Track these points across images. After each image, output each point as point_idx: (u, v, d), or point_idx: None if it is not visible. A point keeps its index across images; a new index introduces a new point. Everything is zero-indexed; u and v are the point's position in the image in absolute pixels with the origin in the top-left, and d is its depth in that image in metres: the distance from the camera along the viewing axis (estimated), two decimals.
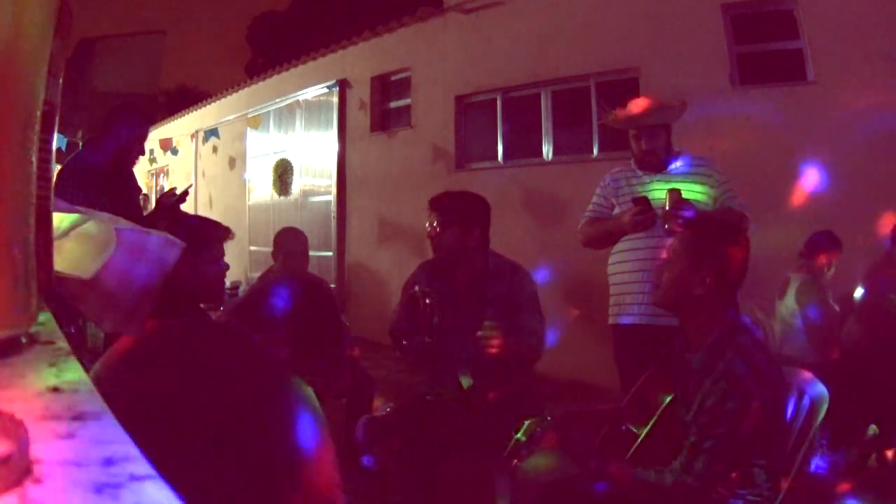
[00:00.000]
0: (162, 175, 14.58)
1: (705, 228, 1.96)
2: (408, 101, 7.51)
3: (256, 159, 10.18)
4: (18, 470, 0.32)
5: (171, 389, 0.99)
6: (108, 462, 0.35)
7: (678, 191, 2.78)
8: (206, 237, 2.08)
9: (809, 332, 3.75)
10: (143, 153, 3.43)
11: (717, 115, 4.75)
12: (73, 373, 0.49)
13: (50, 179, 0.58)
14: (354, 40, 8.18)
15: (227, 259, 2.18)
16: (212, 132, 10.34)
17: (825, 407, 1.88)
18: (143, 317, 0.82)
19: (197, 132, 12.09)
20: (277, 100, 9.53)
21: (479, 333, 2.35)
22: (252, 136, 10.22)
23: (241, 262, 9.44)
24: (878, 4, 4.40)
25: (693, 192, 2.86)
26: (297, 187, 9.15)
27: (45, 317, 0.59)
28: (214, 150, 11.46)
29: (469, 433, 2.44)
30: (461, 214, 2.59)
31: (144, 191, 10.12)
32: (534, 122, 6.35)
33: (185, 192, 3.39)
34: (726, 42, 5.02)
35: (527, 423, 1.99)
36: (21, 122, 0.48)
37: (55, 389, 0.45)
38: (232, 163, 11.01)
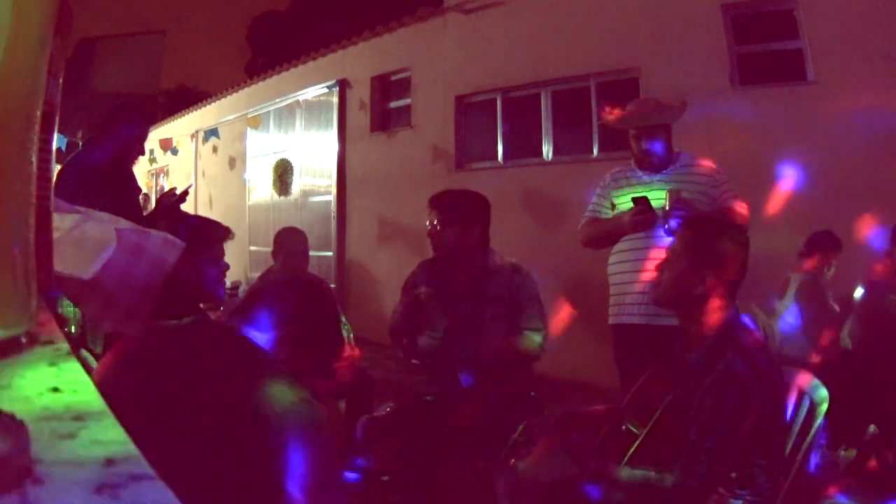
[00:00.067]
0: (162, 175, 14.58)
1: (705, 228, 1.96)
2: (408, 101, 7.51)
3: (256, 159, 10.18)
4: (18, 470, 0.32)
5: (171, 389, 0.99)
6: (108, 462, 0.35)
7: (678, 191, 2.79)
8: (206, 237, 2.08)
9: (809, 332, 3.75)
10: (143, 153, 3.43)
11: (717, 115, 4.75)
12: (73, 373, 0.49)
13: (50, 179, 0.58)
14: (354, 40, 8.18)
15: (227, 259, 2.18)
16: (212, 132, 10.34)
17: (825, 407, 1.88)
18: (143, 317, 0.82)
19: (197, 132, 12.09)
20: (277, 100, 9.53)
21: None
22: (252, 136, 10.22)
23: (241, 262, 9.44)
24: (878, 4, 4.40)
25: (693, 192, 2.86)
26: (297, 187, 9.15)
27: (45, 317, 0.59)
28: (214, 150, 11.46)
29: (469, 433, 2.43)
30: (462, 213, 2.59)
31: (144, 191, 10.13)
32: (534, 122, 6.35)
33: (185, 192, 3.39)
34: (726, 42, 5.02)
35: (524, 424, 1.99)
36: (21, 122, 0.48)
37: (55, 389, 0.45)
38: (232, 163, 11.01)
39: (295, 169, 9.18)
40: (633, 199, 2.85)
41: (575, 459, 1.92)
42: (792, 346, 3.79)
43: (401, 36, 7.53)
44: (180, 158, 12.59)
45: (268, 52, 20.49)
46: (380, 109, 7.95)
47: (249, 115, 10.05)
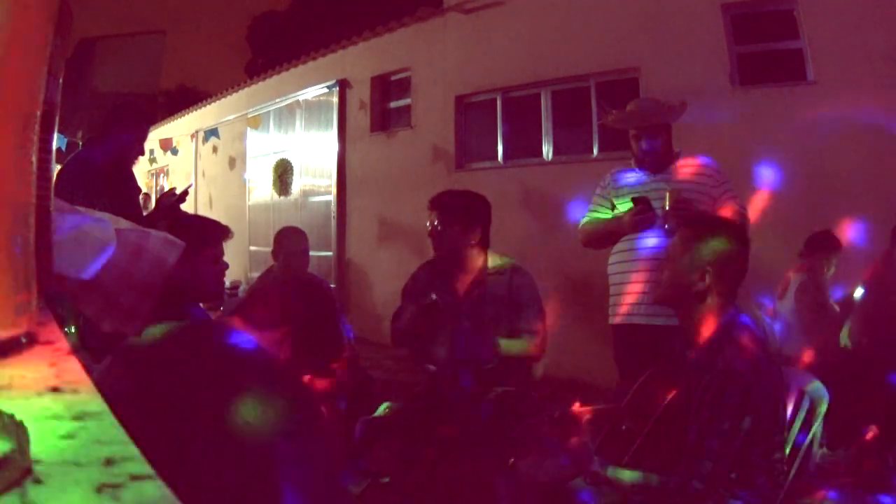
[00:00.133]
0: (162, 175, 14.58)
1: (705, 227, 1.96)
2: (408, 101, 7.51)
3: (256, 159, 10.18)
4: (18, 470, 0.32)
5: (171, 389, 0.99)
6: (108, 462, 0.35)
7: (678, 191, 2.78)
8: (206, 237, 2.08)
9: (809, 332, 3.75)
10: (143, 153, 3.43)
11: (717, 115, 4.75)
12: (73, 373, 0.49)
13: (50, 179, 0.58)
14: (354, 40, 8.18)
15: (227, 259, 2.18)
16: (212, 132, 10.34)
17: (825, 407, 1.89)
18: (143, 317, 0.82)
19: (197, 132, 12.09)
20: (277, 100, 9.53)
21: None
22: (252, 136, 10.22)
23: (241, 262, 9.44)
24: (878, 4, 4.40)
25: (693, 191, 2.86)
26: (297, 187, 9.15)
27: (45, 317, 0.59)
28: (214, 150, 11.46)
29: (469, 433, 2.43)
30: (462, 213, 2.59)
31: (144, 191, 10.13)
32: (534, 122, 6.35)
33: (185, 192, 3.39)
34: (726, 42, 5.02)
35: (524, 424, 1.99)
36: (21, 122, 0.48)
37: (55, 389, 0.45)
38: (232, 163, 11.01)
39: (295, 169, 9.18)
40: (633, 199, 2.85)
41: (575, 459, 1.92)
42: (792, 346, 3.79)
43: (401, 36, 7.53)
44: (180, 158, 12.58)
45: (268, 52, 20.49)
46: (380, 109, 7.95)
47: (249, 115, 10.05)
